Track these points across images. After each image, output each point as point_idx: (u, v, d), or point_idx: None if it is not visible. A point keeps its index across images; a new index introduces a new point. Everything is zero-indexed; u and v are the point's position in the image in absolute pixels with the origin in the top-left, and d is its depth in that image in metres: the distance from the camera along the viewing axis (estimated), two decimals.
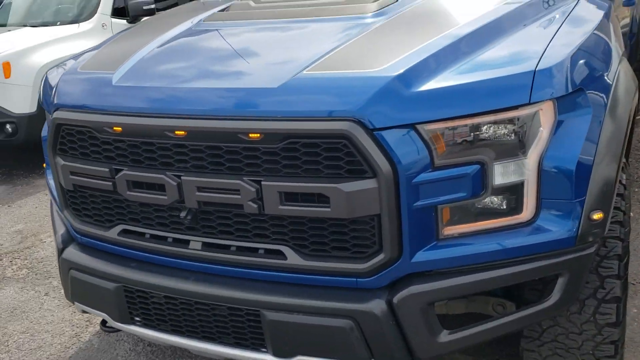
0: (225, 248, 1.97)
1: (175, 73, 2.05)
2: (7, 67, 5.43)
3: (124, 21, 6.48)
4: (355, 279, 1.84)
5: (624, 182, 2.15)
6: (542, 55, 1.84)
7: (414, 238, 1.79)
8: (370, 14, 2.21)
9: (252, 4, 2.62)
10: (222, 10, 2.65)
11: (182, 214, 1.95)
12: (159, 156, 1.95)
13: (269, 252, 1.91)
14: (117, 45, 2.55)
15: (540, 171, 1.82)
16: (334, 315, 1.82)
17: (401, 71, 1.77)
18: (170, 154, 1.93)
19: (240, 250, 1.95)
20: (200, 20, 2.54)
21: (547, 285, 1.95)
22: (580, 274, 1.91)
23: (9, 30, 6.26)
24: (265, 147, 1.80)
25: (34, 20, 6.55)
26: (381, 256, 1.79)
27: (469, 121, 1.76)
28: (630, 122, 2.18)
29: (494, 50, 1.93)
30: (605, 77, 2.02)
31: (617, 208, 2.08)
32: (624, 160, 2.23)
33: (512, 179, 1.82)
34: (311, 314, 1.84)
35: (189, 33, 2.39)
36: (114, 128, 1.99)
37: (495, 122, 1.77)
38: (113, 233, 2.15)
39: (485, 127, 1.78)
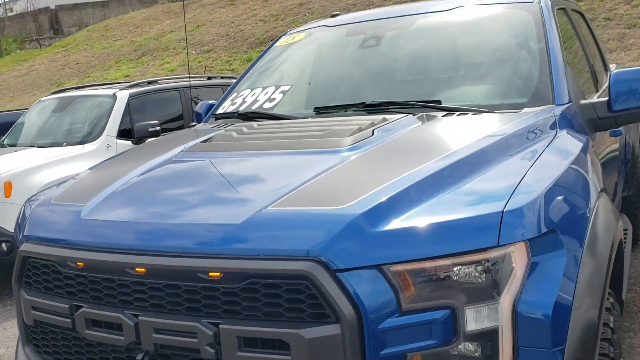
0: None
1: (141, 208, 2.03)
2: (8, 186, 5.51)
3: (129, 142, 6.64)
4: None
5: (611, 324, 2.04)
6: (512, 194, 1.80)
7: None
8: (344, 148, 2.21)
9: (235, 134, 2.65)
10: (205, 140, 2.68)
11: (139, 357, 1.84)
12: (118, 294, 1.88)
13: None
14: (96, 175, 2.56)
15: (515, 316, 1.72)
16: None
17: (366, 209, 1.73)
18: (130, 292, 1.86)
19: None
20: (182, 150, 2.56)
21: None
22: None
23: (16, 151, 6.42)
24: (224, 287, 1.73)
25: (41, 140, 6.74)
26: None
27: (437, 263, 1.69)
28: (612, 259, 2.09)
29: (464, 188, 1.89)
30: (582, 215, 1.96)
31: (603, 354, 1.95)
32: (610, 300, 2.13)
33: (486, 324, 1.71)
34: None
35: (167, 164, 2.40)
36: (77, 263, 1.94)
37: (464, 265, 1.70)
38: None
39: (455, 269, 1.70)
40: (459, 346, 1.71)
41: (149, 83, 7.43)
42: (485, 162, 2.07)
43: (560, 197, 1.91)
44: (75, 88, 8.01)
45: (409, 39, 3.34)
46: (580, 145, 2.36)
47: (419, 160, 2.05)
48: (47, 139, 6.75)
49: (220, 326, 1.71)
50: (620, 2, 11.94)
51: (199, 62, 17.18)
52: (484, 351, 1.73)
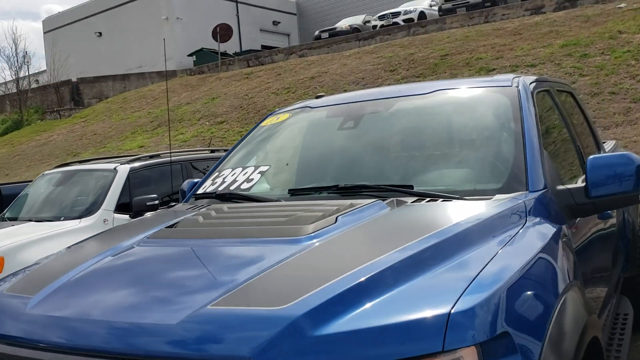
0: None
1: (80, 303, 1.96)
2: (0, 262, 5.50)
3: (127, 216, 6.64)
4: None
5: None
6: (463, 293, 1.72)
7: None
8: (303, 237, 2.16)
9: (201, 220, 2.61)
10: (171, 225, 2.65)
11: None
12: None
13: None
14: (55, 262, 2.52)
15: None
16: None
17: (306, 311, 1.65)
18: None
19: None
20: (145, 237, 2.52)
21: None
22: None
23: (13, 225, 6.45)
24: None
25: (40, 214, 6.78)
26: None
27: None
28: (580, 355, 1.96)
29: (415, 285, 1.81)
30: (541, 313, 1.86)
31: None
32: None
33: None
34: None
35: (123, 252, 2.35)
36: None
37: None
38: None
39: None
40: None
41: (151, 157, 7.51)
42: (443, 255, 1.99)
43: (517, 295, 1.82)
44: (80, 162, 8.12)
45: (387, 122, 3.34)
46: (548, 235, 2.28)
47: (374, 252, 1.98)
48: (46, 213, 6.78)
49: None
50: (625, 77, 12.02)
51: (212, 132, 17.48)
52: None
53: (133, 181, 6.87)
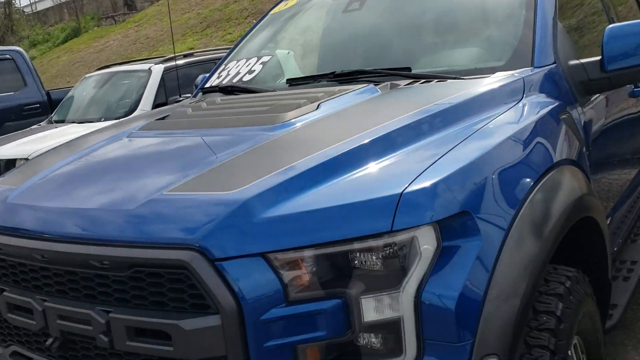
0: None
1: (54, 193, 2.01)
2: None
3: None
4: None
5: (558, 312, 1.83)
6: (422, 172, 1.64)
7: None
8: (278, 124, 2.10)
9: (190, 111, 2.58)
10: (161, 117, 2.63)
11: (48, 342, 1.84)
12: (30, 279, 1.88)
13: None
14: (48, 156, 2.57)
15: (419, 307, 1.57)
16: None
17: (253, 195, 1.62)
18: (38, 277, 1.85)
19: None
20: (135, 128, 2.52)
21: None
22: None
23: (57, 127, 6.67)
24: (114, 275, 1.68)
25: (83, 116, 6.96)
26: None
27: (327, 250, 1.56)
28: (558, 239, 1.87)
29: (375, 168, 1.74)
30: (512, 193, 1.76)
31: (541, 346, 1.76)
32: (566, 284, 1.92)
33: (387, 315, 1.58)
34: None
35: (107, 145, 2.37)
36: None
37: (358, 251, 1.57)
38: (6, 353, 2.08)
39: (348, 256, 1.57)
40: (358, 337, 1.59)
41: (185, 56, 7.47)
42: (416, 136, 1.90)
43: (484, 174, 1.72)
44: (119, 64, 8.19)
45: (393, 2, 3.13)
46: (542, 113, 2.12)
47: (341, 137, 1.90)
48: (89, 115, 6.95)
49: (110, 315, 1.68)
50: None
51: None
52: (386, 343, 1.60)
53: (168, 81, 6.88)
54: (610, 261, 2.42)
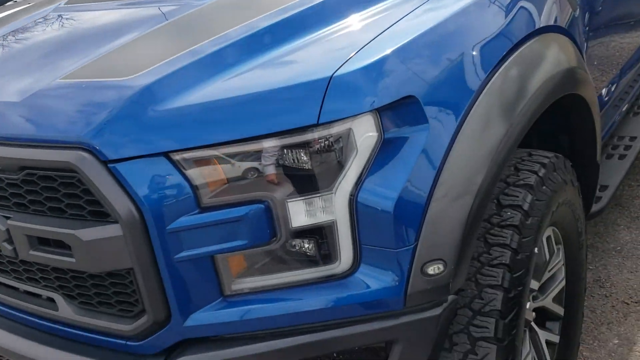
0: (14, 289, 1.68)
1: None
2: None
3: None
4: (124, 342, 1.48)
5: (525, 207, 1.61)
6: (354, 54, 1.34)
7: (184, 296, 1.39)
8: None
9: None
10: None
11: None
12: None
13: (48, 300, 1.59)
14: None
15: (355, 209, 1.35)
16: None
17: (150, 81, 1.35)
18: None
19: (27, 294, 1.64)
20: (63, 2, 2.21)
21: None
22: (423, 341, 1.44)
23: None
24: (7, 177, 1.46)
25: None
26: (145, 318, 1.42)
27: (243, 148, 1.32)
28: (529, 121, 1.60)
29: (296, 49, 1.44)
30: (473, 70, 1.47)
31: (502, 245, 1.56)
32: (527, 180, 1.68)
33: (318, 219, 1.36)
34: None
35: (34, 20, 2.06)
36: None
37: (283, 148, 1.32)
38: None
39: (267, 154, 1.32)
40: (287, 244, 1.39)
41: None
42: (349, 5, 1.58)
43: (434, 48, 1.42)
44: None
45: None
46: None
47: (260, 10, 1.58)
48: None
49: (9, 221, 1.48)
50: None
51: None
52: (319, 250, 1.39)
53: None
54: (599, 144, 2.16)
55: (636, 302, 2.66)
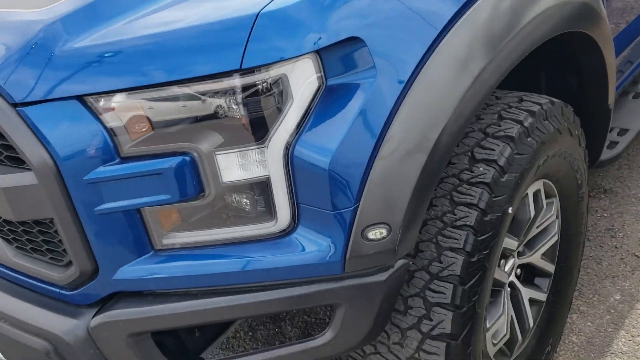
0: None
1: None
2: None
3: None
4: (59, 290, 1.42)
5: (501, 162, 1.44)
6: None
7: (110, 249, 1.30)
8: None
9: None
10: None
11: None
12: None
13: None
14: None
15: (291, 165, 1.21)
16: (34, 334, 1.44)
17: (60, 16, 1.20)
18: None
19: None
20: None
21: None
22: (366, 306, 1.33)
23: None
24: None
25: None
26: (73, 268, 1.35)
27: (165, 93, 1.18)
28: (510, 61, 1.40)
29: None
30: (431, 8, 1.26)
31: (469, 204, 1.40)
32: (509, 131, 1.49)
33: (251, 174, 1.24)
34: (15, 326, 1.47)
35: None
36: None
37: (207, 95, 1.17)
38: None
39: (192, 102, 1.18)
40: (219, 199, 1.27)
41: None
42: None
43: None
44: None
45: None
46: None
47: None
48: None
49: None
50: None
51: None
52: (253, 207, 1.28)
53: None
54: (612, 87, 1.93)
55: None
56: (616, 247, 2.54)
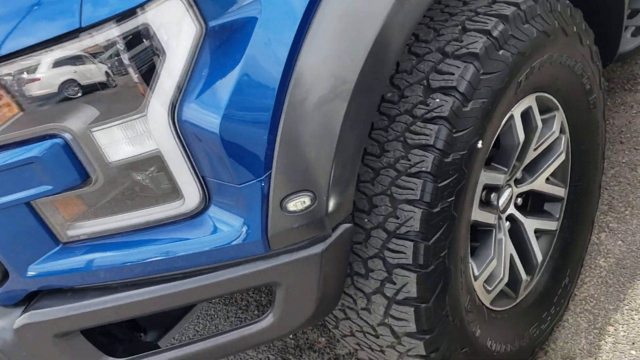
0: None
1: None
2: None
3: None
4: None
5: (462, 87, 1.17)
6: None
7: (11, 247, 1.15)
8: None
9: None
10: None
11: None
12: None
13: None
14: None
15: (180, 133, 1.00)
16: None
17: None
18: None
19: None
20: None
21: None
22: (306, 281, 1.14)
23: None
24: None
25: None
26: None
27: (9, 68, 0.97)
28: None
29: None
30: None
31: (425, 146, 1.16)
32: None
33: (141, 149, 1.04)
34: None
35: None
36: None
37: (59, 64, 0.96)
38: None
39: (51, 72, 0.97)
40: (116, 182, 1.08)
41: None
42: None
43: None
44: None
45: None
46: None
47: None
48: None
49: None
50: None
51: None
52: (156, 186, 1.08)
53: None
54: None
55: None
56: None
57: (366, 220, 1.21)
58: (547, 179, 1.61)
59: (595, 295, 1.82)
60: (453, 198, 1.19)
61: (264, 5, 0.94)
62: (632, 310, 1.75)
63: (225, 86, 0.96)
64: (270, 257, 1.09)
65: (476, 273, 1.41)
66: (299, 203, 1.02)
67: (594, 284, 1.85)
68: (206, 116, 0.97)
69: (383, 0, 1.06)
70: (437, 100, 1.17)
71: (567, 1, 1.44)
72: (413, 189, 1.16)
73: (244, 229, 1.05)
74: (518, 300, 1.60)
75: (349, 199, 1.09)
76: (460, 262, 1.28)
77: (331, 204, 1.05)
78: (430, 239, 1.18)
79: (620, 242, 1.95)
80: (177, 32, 0.95)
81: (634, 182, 2.11)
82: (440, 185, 1.16)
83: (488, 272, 1.44)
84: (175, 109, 0.98)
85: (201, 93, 0.97)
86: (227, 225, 1.06)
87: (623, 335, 1.70)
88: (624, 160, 2.19)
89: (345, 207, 1.09)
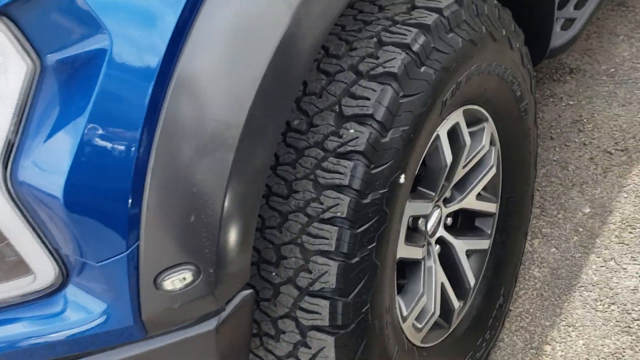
0: None
1: None
2: None
3: None
4: None
5: (379, 114, 0.98)
6: None
7: None
8: None
9: None
10: None
11: None
12: None
13: None
14: None
15: (18, 198, 0.78)
16: None
17: None
18: None
19: None
20: None
21: None
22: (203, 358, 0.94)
23: None
24: None
25: None
26: None
27: None
28: None
29: None
30: None
31: (339, 187, 0.97)
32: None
33: None
34: None
35: None
36: None
37: None
38: None
39: None
40: None
41: None
42: None
43: None
44: None
45: None
46: None
47: None
48: None
49: None
50: None
51: None
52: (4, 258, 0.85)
53: None
54: None
55: (621, 150, 2.06)
56: (584, 144, 2.12)
57: (274, 274, 1.02)
58: (479, 194, 1.47)
59: (531, 311, 1.71)
60: (374, 244, 1.01)
61: (114, 35, 0.71)
62: (569, 327, 1.65)
63: (70, 138, 0.74)
64: (151, 338, 0.89)
65: (405, 313, 1.25)
66: (176, 281, 0.82)
67: (528, 297, 1.74)
68: (46, 176, 0.75)
69: (282, 6, 0.85)
70: (352, 131, 0.99)
71: (495, 1, 1.28)
72: (327, 238, 0.98)
73: (108, 315, 0.83)
74: (451, 330, 1.46)
75: (245, 263, 0.90)
76: (385, 314, 1.11)
77: (221, 277, 0.85)
78: (349, 294, 1.00)
79: (554, 249, 1.84)
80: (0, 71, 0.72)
81: (565, 182, 2.01)
82: (358, 231, 0.99)
83: (418, 309, 1.29)
84: (7, 168, 0.75)
85: (39, 146, 0.75)
86: (86, 312, 0.84)
87: (561, 355, 1.60)
88: (554, 158, 2.09)
89: (241, 276, 0.90)
